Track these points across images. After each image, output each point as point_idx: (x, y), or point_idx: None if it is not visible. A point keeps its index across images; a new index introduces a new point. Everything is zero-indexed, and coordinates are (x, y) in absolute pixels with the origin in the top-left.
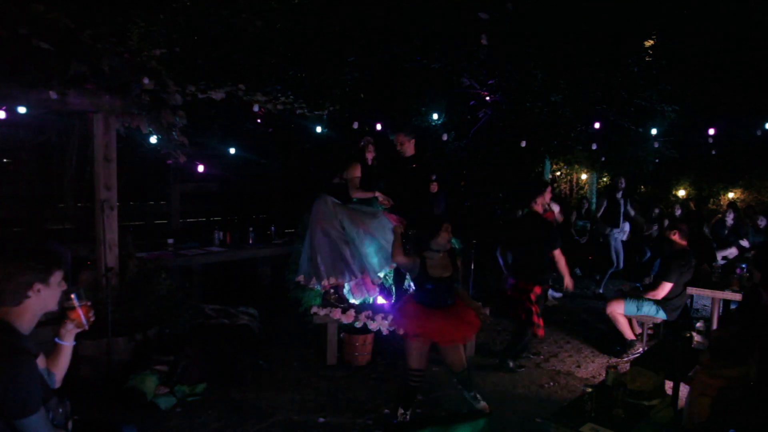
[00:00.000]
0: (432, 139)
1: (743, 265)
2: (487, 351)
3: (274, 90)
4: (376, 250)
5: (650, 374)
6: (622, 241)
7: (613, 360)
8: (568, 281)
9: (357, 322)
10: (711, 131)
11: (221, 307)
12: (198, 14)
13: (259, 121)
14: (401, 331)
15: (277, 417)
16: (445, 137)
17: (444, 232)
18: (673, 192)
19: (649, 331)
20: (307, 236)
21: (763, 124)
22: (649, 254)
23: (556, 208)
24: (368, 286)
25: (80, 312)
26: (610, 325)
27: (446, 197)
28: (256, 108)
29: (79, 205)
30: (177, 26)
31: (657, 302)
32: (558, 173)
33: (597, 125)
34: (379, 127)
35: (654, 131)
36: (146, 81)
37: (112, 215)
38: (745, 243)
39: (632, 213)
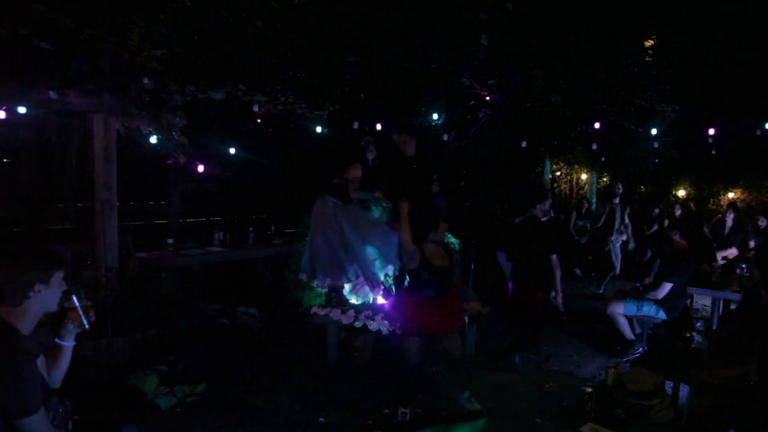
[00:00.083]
0: (432, 139)
1: (743, 265)
2: (487, 351)
3: (274, 90)
4: (375, 256)
5: (650, 374)
6: (622, 241)
7: (613, 360)
8: (558, 297)
9: (357, 322)
10: (711, 131)
11: (221, 307)
12: (198, 14)
13: (259, 121)
14: (398, 330)
15: (277, 417)
16: (445, 137)
17: (442, 222)
18: (673, 192)
19: (649, 331)
20: (309, 235)
21: (763, 124)
22: (649, 254)
23: None
24: (369, 287)
25: (80, 312)
26: (610, 325)
27: (446, 197)
28: (256, 108)
29: (79, 205)
30: (177, 26)
31: (657, 302)
32: (558, 173)
33: (597, 125)
34: (379, 127)
35: (654, 131)
36: (146, 81)
37: (112, 215)
38: (752, 244)
39: (629, 226)
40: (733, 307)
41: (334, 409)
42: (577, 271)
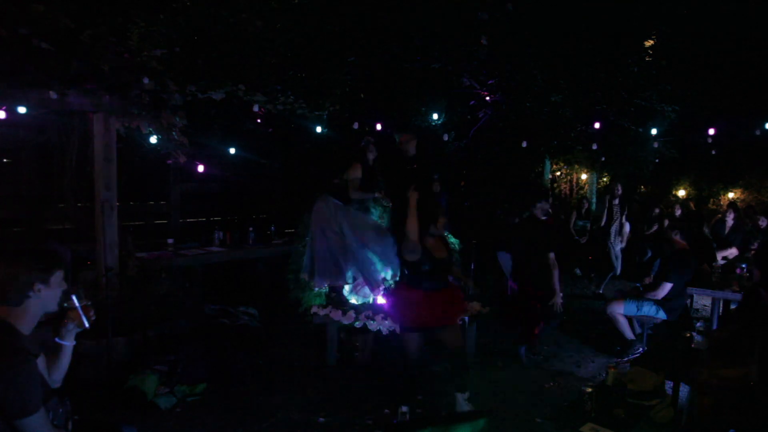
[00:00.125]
0: (432, 139)
1: (743, 265)
2: (488, 351)
3: (274, 90)
4: (375, 259)
5: (650, 374)
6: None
7: (613, 360)
8: (557, 299)
9: (357, 322)
10: (711, 131)
11: (221, 307)
12: (198, 14)
13: (259, 121)
14: (397, 325)
15: (277, 417)
16: (445, 137)
17: (441, 217)
18: (673, 192)
19: (649, 331)
20: (309, 235)
21: (763, 124)
22: (649, 254)
23: None
24: (368, 288)
25: (80, 312)
26: (610, 325)
27: (447, 197)
28: (256, 108)
29: (79, 205)
30: (177, 26)
31: (657, 302)
32: (558, 173)
33: (597, 125)
34: (379, 127)
35: (654, 131)
36: (146, 81)
37: (112, 215)
38: (755, 246)
39: (627, 228)
40: (733, 307)
41: (334, 409)
42: (577, 271)
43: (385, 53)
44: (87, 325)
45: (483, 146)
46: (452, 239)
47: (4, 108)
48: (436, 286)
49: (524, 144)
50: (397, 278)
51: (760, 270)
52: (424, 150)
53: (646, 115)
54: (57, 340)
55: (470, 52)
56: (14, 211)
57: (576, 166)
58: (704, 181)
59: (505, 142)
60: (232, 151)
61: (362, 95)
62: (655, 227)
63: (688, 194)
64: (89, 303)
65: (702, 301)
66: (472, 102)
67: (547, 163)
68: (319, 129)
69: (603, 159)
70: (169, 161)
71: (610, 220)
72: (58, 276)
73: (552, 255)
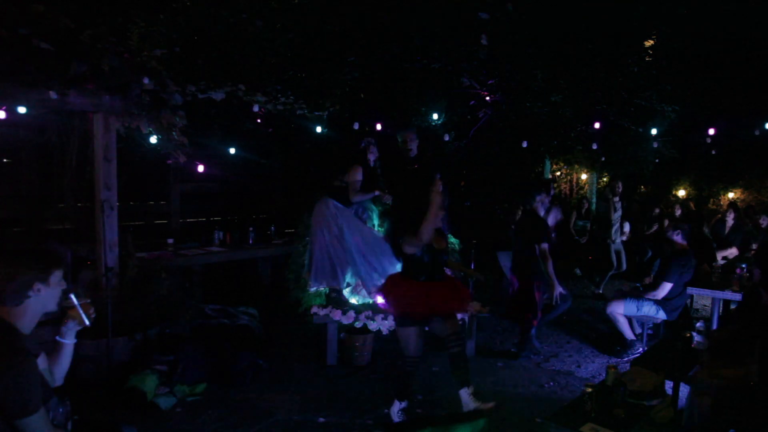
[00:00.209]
0: (432, 139)
1: (743, 265)
2: (488, 351)
3: (274, 90)
4: (373, 264)
5: (650, 374)
6: (623, 242)
7: (613, 360)
8: (555, 292)
9: (357, 322)
10: (711, 131)
11: (221, 307)
12: (198, 14)
13: (259, 121)
14: (393, 318)
15: (277, 417)
16: (447, 138)
17: (441, 210)
18: (673, 192)
19: (649, 331)
20: (309, 235)
21: (763, 124)
22: (649, 254)
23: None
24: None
25: (80, 310)
26: (610, 325)
27: (449, 197)
28: (256, 108)
29: (79, 205)
30: (177, 26)
31: (657, 302)
32: (558, 173)
33: (597, 125)
34: (379, 127)
35: (654, 131)
36: (146, 81)
37: (112, 215)
38: (755, 246)
39: (627, 228)
40: (733, 307)
41: (334, 409)
42: (577, 271)
43: (385, 53)
44: (87, 322)
45: (483, 146)
46: (452, 239)
47: (4, 108)
48: (434, 277)
49: (524, 144)
50: None
51: (760, 270)
52: (425, 150)
53: (646, 115)
54: (57, 338)
55: (470, 52)
56: (14, 211)
57: (576, 166)
58: (704, 181)
59: (505, 142)
60: (232, 151)
61: (362, 95)
62: (655, 227)
63: (688, 194)
64: (89, 301)
65: (702, 301)
66: (472, 102)
67: (547, 163)
68: (319, 129)
69: (603, 159)
70: (169, 161)
71: (610, 217)
72: (57, 276)
73: (545, 246)
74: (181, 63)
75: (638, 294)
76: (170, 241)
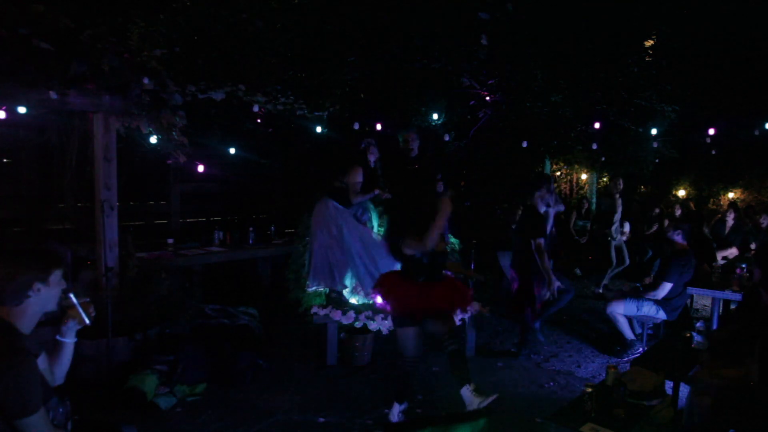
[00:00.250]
0: (432, 139)
1: (743, 265)
2: (488, 351)
3: (274, 90)
4: (370, 266)
5: (650, 374)
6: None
7: (613, 360)
8: (552, 287)
9: (357, 322)
10: (711, 131)
11: (221, 307)
12: (198, 14)
13: (259, 121)
14: (392, 312)
15: (277, 417)
16: (447, 138)
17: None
18: (673, 192)
19: (649, 331)
20: (309, 236)
21: (763, 124)
22: (649, 254)
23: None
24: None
25: (79, 309)
26: (610, 325)
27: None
28: (256, 108)
29: (79, 205)
30: (177, 26)
31: (657, 302)
32: (558, 173)
33: (597, 125)
34: (379, 127)
35: (654, 131)
36: (146, 81)
37: (112, 215)
38: (753, 246)
39: (627, 228)
40: (733, 307)
41: (334, 409)
42: (577, 271)
43: (385, 53)
44: (88, 321)
45: (483, 146)
46: (452, 239)
47: (4, 108)
48: (433, 278)
49: (524, 144)
50: None
51: (761, 269)
52: (425, 150)
53: (646, 115)
54: (58, 337)
55: (470, 52)
56: (14, 211)
57: (576, 166)
58: (704, 181)
59: (505, 142)
60: (232, 151)
61: (362, 95)
62: (655, 227)
63: (688, 194)
64: (88, 300)
65: (702, 301)
66: (472, 102)
67: (547, 163)
68: (319, 129)
69: (603, 159)
70: (169, 161)
71: (611, 215)
72: (57, 275)
73: (541, 241)
74: (181, 63)
75: (638, 294)
76: (170, 241)
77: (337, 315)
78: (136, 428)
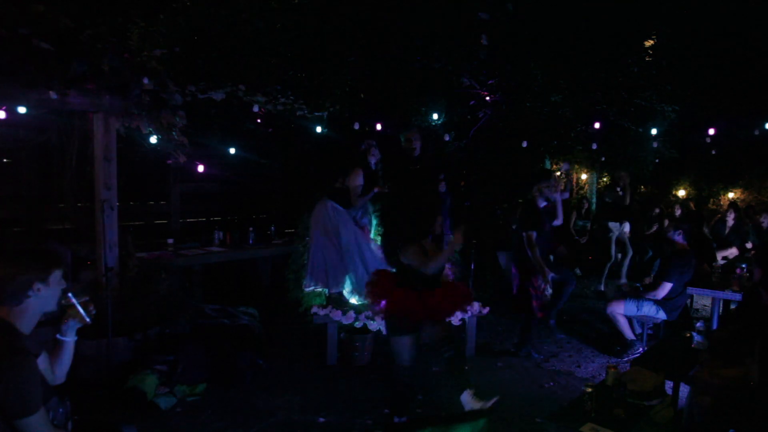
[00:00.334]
0: (432, 139)
1: (743, 265)
2: (488, 351)
3: (274, 90)
4: (364, 268)
5: (650, 374)
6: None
7: (613, 360)
8: (547, 277)
9: (357, 322)
10: (711, 131)
11: (221, 307)
12: (198, 14)
13: (259, 121)
14: (387, 320)
15: (277, 417)
16: (447, 138)
17: (439, 216)
18: (673, 192)
19: (649, 331)
20: (308, 236)
21: (763, 124)
22: (649, 254)
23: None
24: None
25: (79, 308)
26: (610, 325)
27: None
28: (256, 108)
29: (79, 205)
30: (177, 26)
31: (657, 302)
32: (558, 173)
33: (597, 125)
34: (379, 127)
35: (654, 131)
36: (146, 81)
37: (112, 215)
38: (748, 245)
39: (627, 228)
40: (733, 307)
41: (334, 409)
42: (577, 271)
43: (385, 53)
44: (88, 320)
45: (483, 146)
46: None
47: (4, 108)
48: (430, 286)
49: (524, 144)
50: None
51: (761, 269)
52: (425, 150)
53: (646, 115)
54: (58, 336)
55: (470, 52)
56: (14, 211)
57: (576, 166)
58: (704, 181)
59: (505, 142)
60: (232, 151)
61: (362, 95)
62: (655, 227)
63: (688, 194)
64: (87, 298)
65: (702, 301)
66: (472, 102)
67: (547, 163)
68: (319, 129)
69: (603, 159)
70: (169, 161)
71: (615, 207)
72: (57, 275)
73: (533, 233)
74: (181, 63)
75: (638, 294)
76: (170, 241)
77: (337, 315)
78: (136, 428)
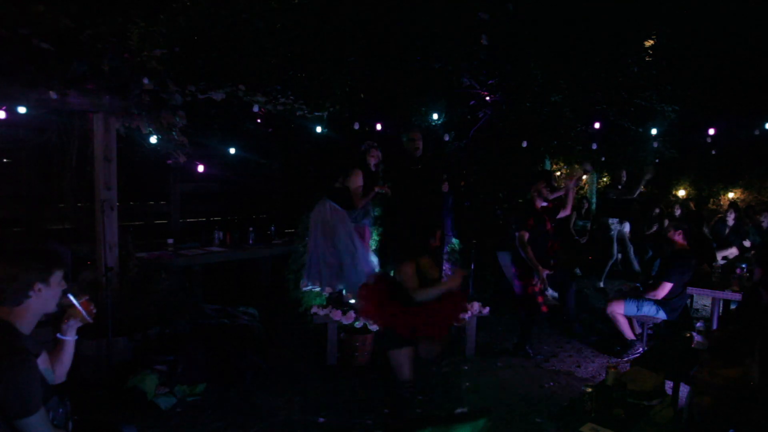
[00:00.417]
0: (432, 139)
1: (743, 265)
2: (488, 351)
3: (274, 90)
4: (357, 273)
5: (650, 374)
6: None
7: (613, 360)
8: (542, 275)
9: (357, 323)
10: (711, 131)
11: (221, 307)
12: (198, 14)
13: (259, 121)
14: (383, 330)
15: (277, 417)
16: (447, 138)
17: (438, 230)
18: (673, 192)
19: (649, 331)
20: (309, 235)
21: (763, 124)
22: (649, 254)
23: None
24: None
25: (79, 308)
26: (610, 325)
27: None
28: (256, 108)
29: (79, 205)
30: (177, 26)
31: (657, 302)
32: (558, 173)
33: (597, 125)
34: (379, 127)
35: (654, 131)
36: (146, 81)
37: (112, 215)
38: (747, 243)
39: (627, 228)
40: (733, 307)
41: (334, 409)
42: (578, 271)
43: (385, 53)
44: (89, 319)
45: (483, 146)
46: (453, 240)
47: (4, 108)
48: (430, 302)
49: (524, 144)
50: None
51: (761, 269)
52: (426, 150)
53: (646, 115)
54: (58, 335)
55: (470, 52)
56: (14, 211)
57: (576, 166)
58: (704, 181)
59: (505, 142)
60: (232, 151)
61: (362, 95)
62: (655, 227)
63: (688, 194)
64: (87, 297)
65: (702, 301)
66: (472, 102)
67: (547, 162)
68: (319, 129)
69: (603, 159)
70: (169, 161)
71: (615, 204)
72: (57, 276)
73: (525, 233)
74: (181, 63)
75: (638, 294)
76: (170, 241)
77: (337, 315)
78: (136, 428)
